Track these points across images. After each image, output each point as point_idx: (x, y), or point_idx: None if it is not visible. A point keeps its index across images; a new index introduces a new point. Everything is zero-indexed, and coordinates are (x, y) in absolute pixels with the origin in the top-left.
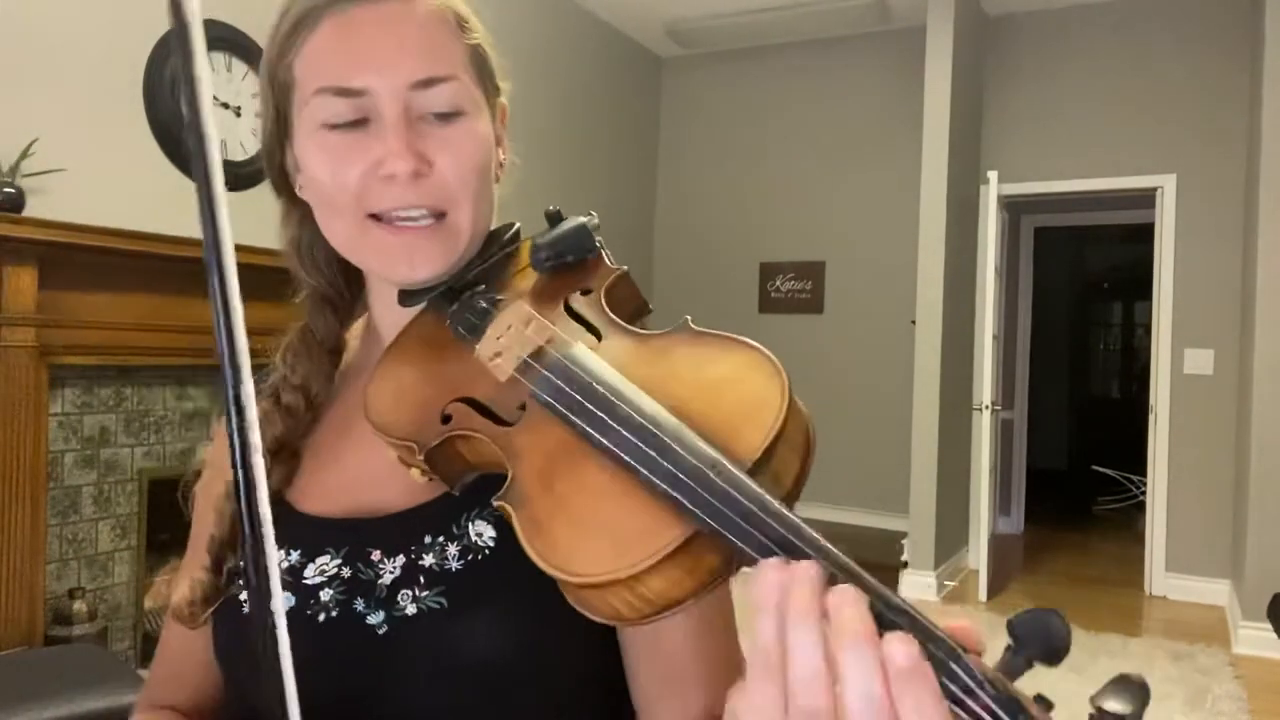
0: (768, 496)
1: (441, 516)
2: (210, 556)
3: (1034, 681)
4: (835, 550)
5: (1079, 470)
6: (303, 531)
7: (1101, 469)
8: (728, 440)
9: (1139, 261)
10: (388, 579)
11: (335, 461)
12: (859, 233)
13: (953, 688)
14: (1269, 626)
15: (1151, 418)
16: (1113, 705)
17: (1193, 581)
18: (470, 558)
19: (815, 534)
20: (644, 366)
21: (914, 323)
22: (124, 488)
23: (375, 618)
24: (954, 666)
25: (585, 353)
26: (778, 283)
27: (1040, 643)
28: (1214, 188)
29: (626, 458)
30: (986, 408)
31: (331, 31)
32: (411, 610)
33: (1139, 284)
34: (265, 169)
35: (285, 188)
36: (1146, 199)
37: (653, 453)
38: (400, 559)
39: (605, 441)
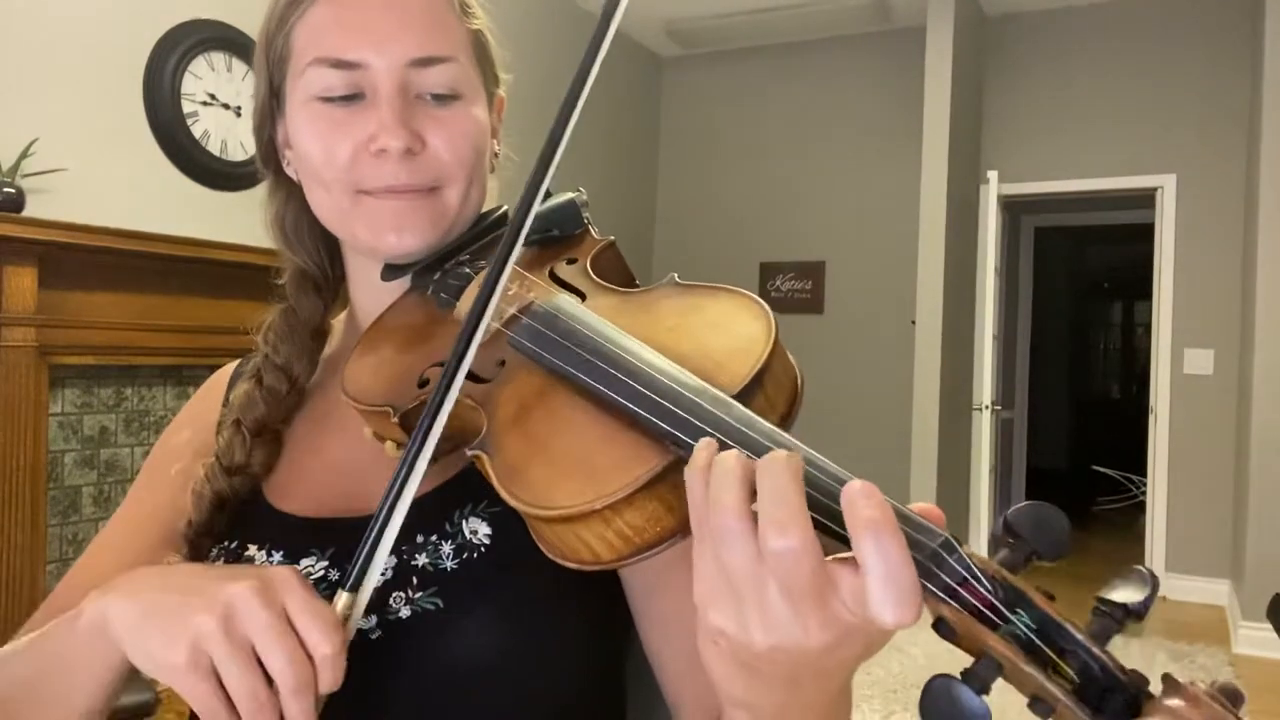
0: (753, 415)
1: (434, 514)
2: (186, 542)
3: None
4: (827, 461)
5: (1079, 470)
6: (285, 532)
7: (1101, 469)
8: (712, 374)
9: (1139, 261)
10: (378, 581)
11: (314, 454)
12: (859, 233)
13: (947, 579)
14: (1269, 626)
15: (1151, 418)
16: (1119, 595)
17: (1193, 581)
18: (465, 556)
19: (807, 448)
20: (628, 317)
21: (914, 323)
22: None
23: (366, 622)
24: (948, 558)
25: (569, 302)
26: (778, 283)
27: (1038, 535)
28: (1214, 188)
29: (607, 390)
30: (986, 408)
31: (332, 3)
32: (405, 613)
33: (1139, 284)
34: (255, 142)
35: (273, 163)
36: (1146, 199)
37: (634, 383)
38: (391, 559)
39: (585, 378)
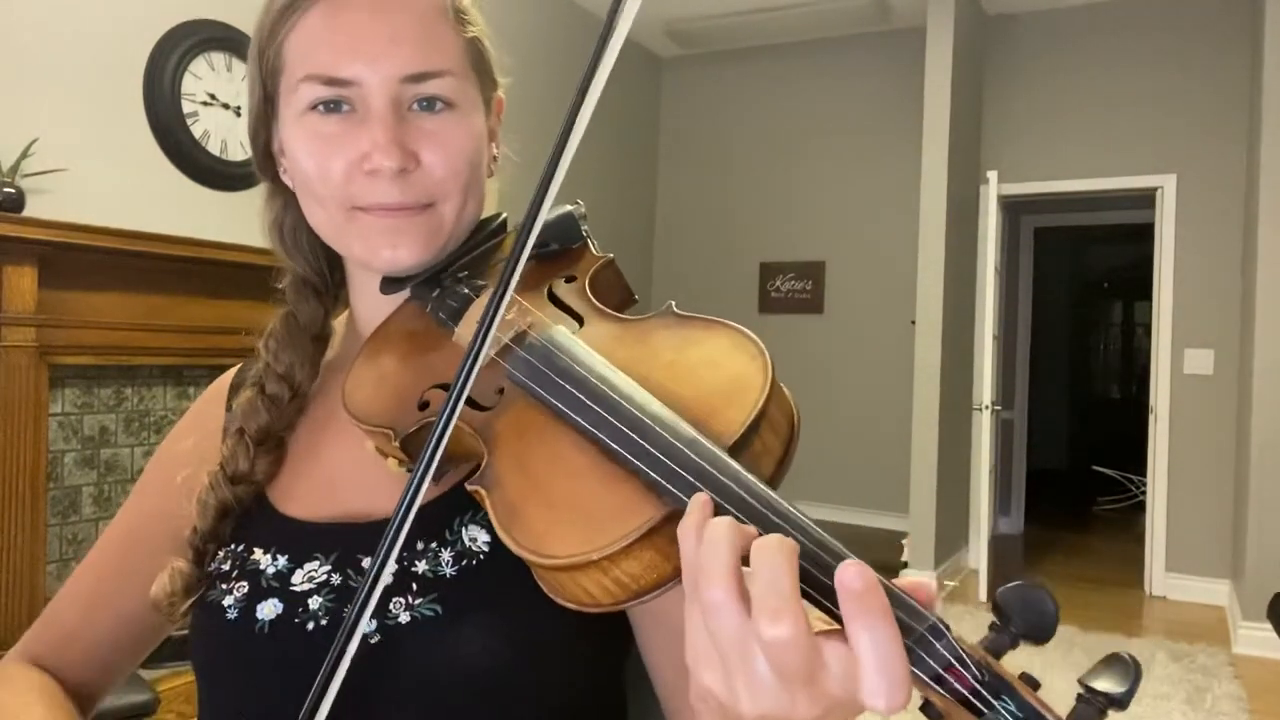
0: (745, 472)
1: (434, 522)
2: (192, 549)
3: (1024, 665)
4: (817, 529)
5: (1079, 470)
6: (289, 536)
7: (1101, 469)
8: (707, 420)
9: (1139, 261)
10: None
11: (317, 458)
12: (859, 233)
13: (933, 664)
14: (1269, 626)
15: (1151, 418)
16: (1103, 684)
17: (1193, 581)
18: (464, 563)
19: (797, 511)
20: (625, 349)
21: (914, 323)
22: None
23: (367, 627)
24: (935, 643)
25: (565, 335)
26: (778, 283)
27: (1027, 619)
28: (1214, 188)
29: (603, 437)
30: (986, 408)
31: (322, 16)
32: (405, 618)
33: (1139, 284)
34: (250, 150)
35: (269, 170)
36: (1146, 199)
37: (629, 431)
38: (392, 565)
39: (581, 421)
